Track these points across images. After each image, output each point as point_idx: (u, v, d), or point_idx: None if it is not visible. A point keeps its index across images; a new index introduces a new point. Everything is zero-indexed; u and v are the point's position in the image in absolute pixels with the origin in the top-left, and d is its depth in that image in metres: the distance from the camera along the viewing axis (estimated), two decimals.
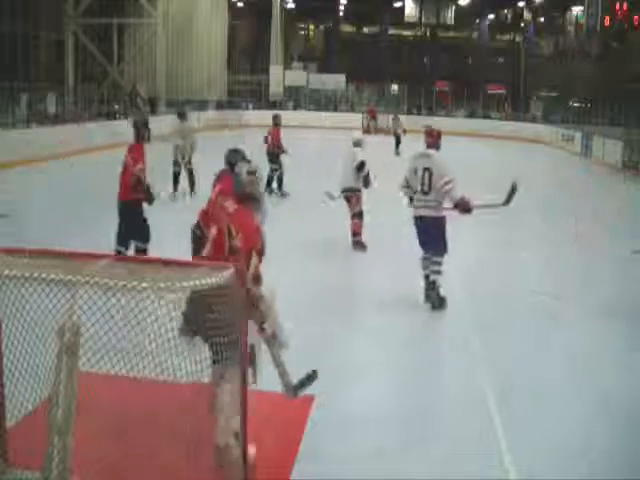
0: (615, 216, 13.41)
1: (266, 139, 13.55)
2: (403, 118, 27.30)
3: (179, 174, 12.84)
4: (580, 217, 12.84)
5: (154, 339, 2.92)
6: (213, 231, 3.75)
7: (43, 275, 2.68)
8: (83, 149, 19.41)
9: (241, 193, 4.01)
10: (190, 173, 12.83)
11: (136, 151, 7.45)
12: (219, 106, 36.23)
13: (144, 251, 7.46)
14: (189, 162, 12.88)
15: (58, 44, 28.59)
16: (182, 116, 13.41)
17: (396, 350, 5.93)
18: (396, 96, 43.49)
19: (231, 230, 3.71)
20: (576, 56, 39.75)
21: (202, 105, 33.29)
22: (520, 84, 43.77)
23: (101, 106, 24.30)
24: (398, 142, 23.58)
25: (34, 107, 20.06)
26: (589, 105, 32.02)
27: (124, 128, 22.87)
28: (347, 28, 50.96)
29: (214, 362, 3.26)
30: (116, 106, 24.92)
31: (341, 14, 48.40)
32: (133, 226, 7.41)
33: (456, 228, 7.32)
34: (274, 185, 13.47)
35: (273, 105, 38.66)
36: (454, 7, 47.95)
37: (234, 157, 5.25)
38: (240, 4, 43.13)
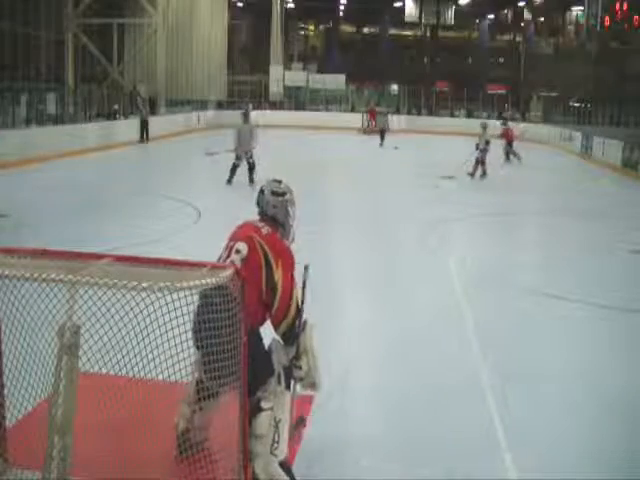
0: (615, 216, 13.40)
1: None
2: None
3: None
4: (580, 217, 12.84)
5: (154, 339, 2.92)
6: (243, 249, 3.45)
7: (43, 275, 2.68)
8: (83, 149, 19.41)
9: (264, 214, 3.70)
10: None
11: None
12: (219, 106, 36.20)
13: None
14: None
15: (58, 44, 28.52)
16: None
17: (395, 349, 5.92)
18: (396, 96, 43.43)
19: (268, 255, 3.44)
20: (576, 56, 39.69)
21: (202, 105, 33.27)
22: (520, 84, 43.72)
23: (101, 106, 24.25)
24: (382, 137, 26.80)
25: (34, 107, 20.01)
26: (589, 105, 31.97)
27: (124, 128, 23.03)
28: (347, 28, 50.93)
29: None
30: (116, 106, 24.86)
31: (341, 14, 48.36)
32: None
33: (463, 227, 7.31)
34: None
35: (273, 105, 38.65)
36: (454, 7, 47.81)
37: None
38: (240, 4, 43.13)
